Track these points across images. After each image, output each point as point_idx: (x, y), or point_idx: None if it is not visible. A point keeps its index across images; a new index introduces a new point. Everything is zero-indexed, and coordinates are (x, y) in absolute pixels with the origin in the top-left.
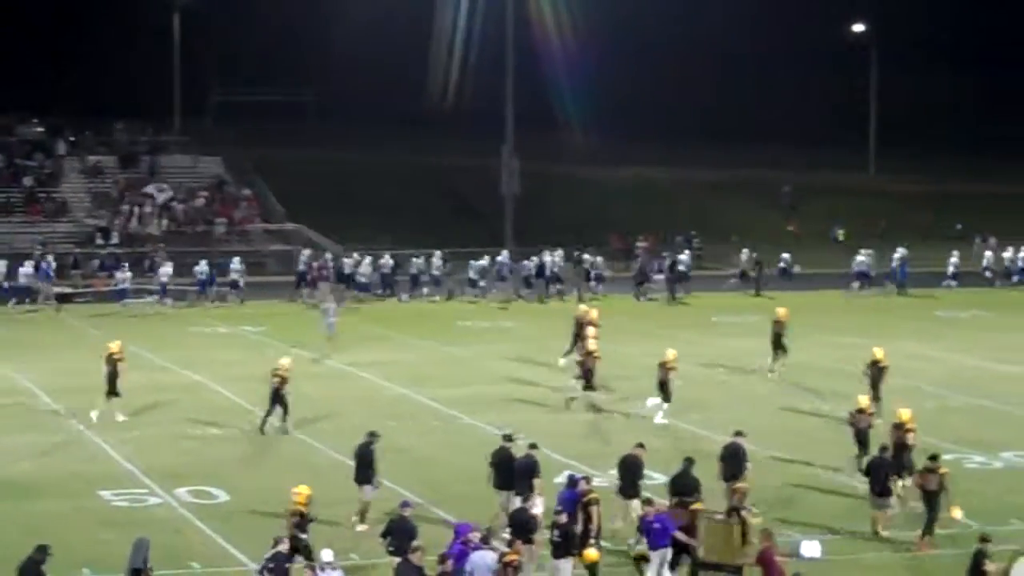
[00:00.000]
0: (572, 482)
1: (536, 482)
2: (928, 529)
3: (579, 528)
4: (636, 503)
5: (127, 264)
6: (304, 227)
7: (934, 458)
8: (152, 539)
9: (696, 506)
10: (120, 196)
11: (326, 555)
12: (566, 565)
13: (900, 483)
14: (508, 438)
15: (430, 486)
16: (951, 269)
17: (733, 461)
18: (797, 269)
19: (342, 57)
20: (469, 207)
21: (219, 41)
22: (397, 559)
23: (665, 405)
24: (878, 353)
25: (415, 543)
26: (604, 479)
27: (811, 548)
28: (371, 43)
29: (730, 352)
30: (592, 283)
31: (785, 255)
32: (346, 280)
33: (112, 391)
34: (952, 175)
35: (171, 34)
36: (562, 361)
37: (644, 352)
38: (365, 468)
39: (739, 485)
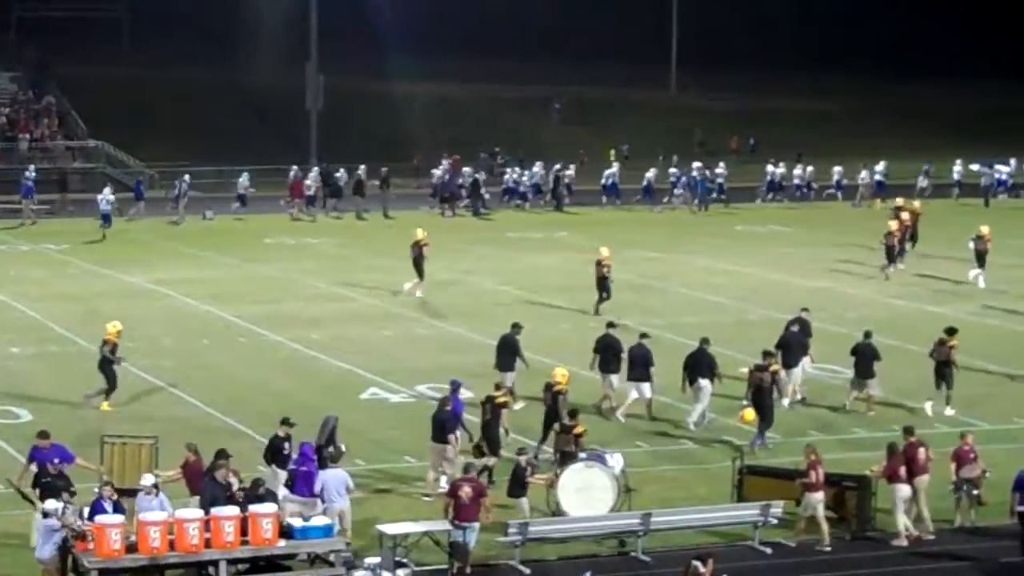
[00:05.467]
0: (455, 387)
1: (651, 370)
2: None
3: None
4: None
5: None
6: (106, 144)
7: (767, 353)
8: None
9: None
10: None
11: (146, 479)
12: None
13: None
14: (612, 324)
15: (235, 402)
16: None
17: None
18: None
19: None
20: (276, 123)
21: None
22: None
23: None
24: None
25: (221, 461)
26: (407, 395)
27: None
28: None
29: (527, 268)
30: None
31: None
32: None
33: None
34: (755, 92)
35: None
36: (407, 286)
37: (445, 268)
38: (508, 355)
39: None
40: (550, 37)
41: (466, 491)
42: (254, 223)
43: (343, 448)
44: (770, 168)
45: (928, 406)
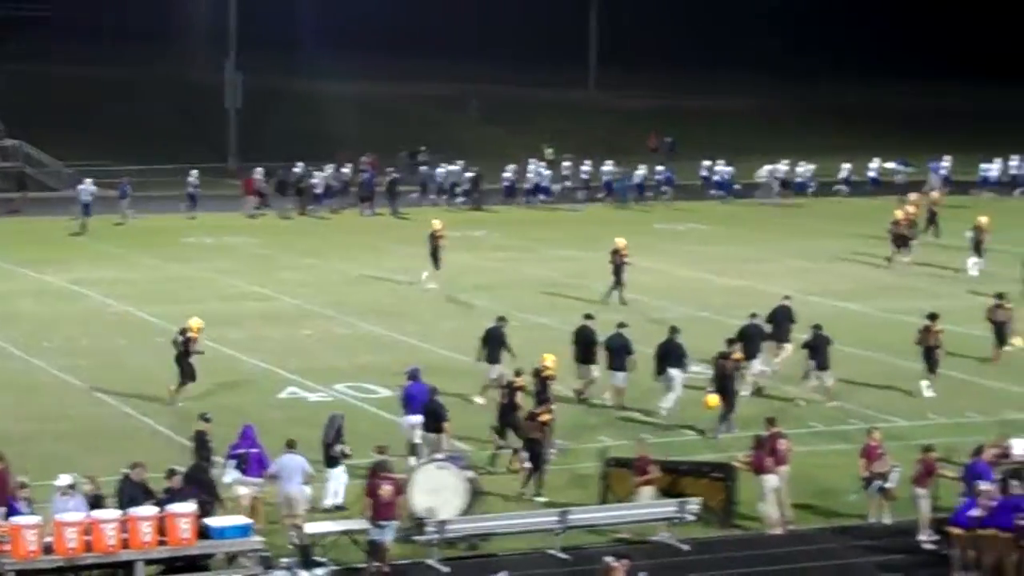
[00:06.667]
0: (413, 375)
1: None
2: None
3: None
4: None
5: None
6: (23, 143)
7: (731, 342)
8: None
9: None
10: None
11: (63, 480)
12: None
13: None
14: (589, 316)
15: (153, 402)
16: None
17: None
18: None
19: None
20: (196, 122)
21: None
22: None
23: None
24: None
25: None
26: (325, 394)
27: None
28: None
29: (446, 266)
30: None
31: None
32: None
33: None
34: (673, 91)
35: None
36: (424, 275)
37: (364, 267)
38: (495, 348)
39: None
40: (470, 35)
41: (386, 489)
42: (172, 222)
43: (347, 451)
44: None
45: (924, 386)
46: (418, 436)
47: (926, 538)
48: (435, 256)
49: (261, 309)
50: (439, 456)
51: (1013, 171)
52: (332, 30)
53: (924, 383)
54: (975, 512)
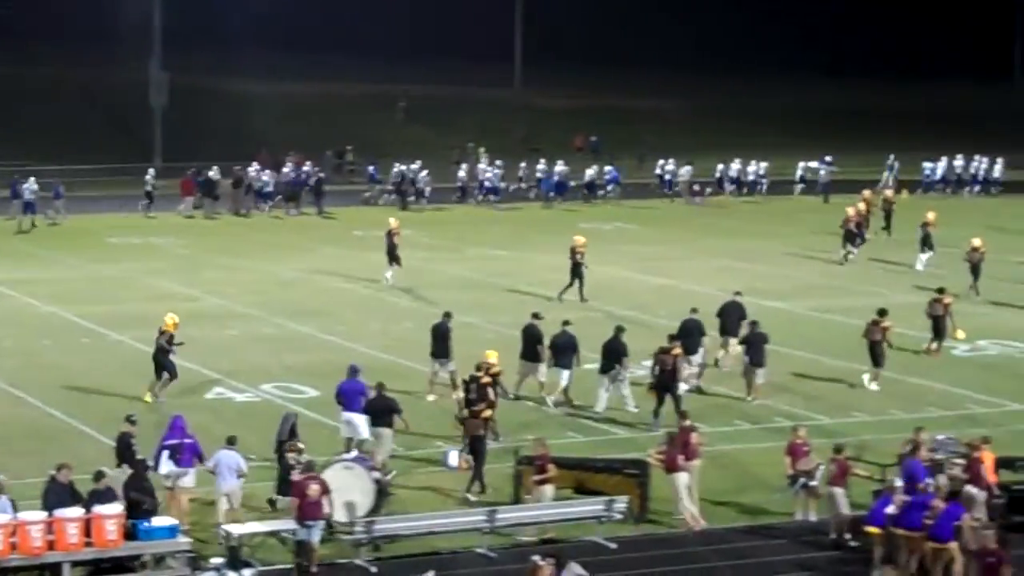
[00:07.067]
0: (353, 371)
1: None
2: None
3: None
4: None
5: None
6: None
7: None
8: None
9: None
10: None
11: None
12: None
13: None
14: (536, 315)
15: (78, 403)
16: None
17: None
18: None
19: None
20: (122, 122)
21: None
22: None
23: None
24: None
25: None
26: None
27: (454, 458)
28: None
29: (373, 266)
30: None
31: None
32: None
33: None
34: (597, 90)
35: None
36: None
37: (290, 267)
38: (443, 343)
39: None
40: (395, 35)
41: (313, 489)
42: (99, 223)
43: (301, 447)
44: (663, 165)
45: (866, 379)
46: (355, 432)
47: (848, 537)
48: (392, 254)
49: (187, 309)
50: (347, 456)
51: (959, 170)
52: (260, 30)
53: (866, 376)
54: (890, 510)
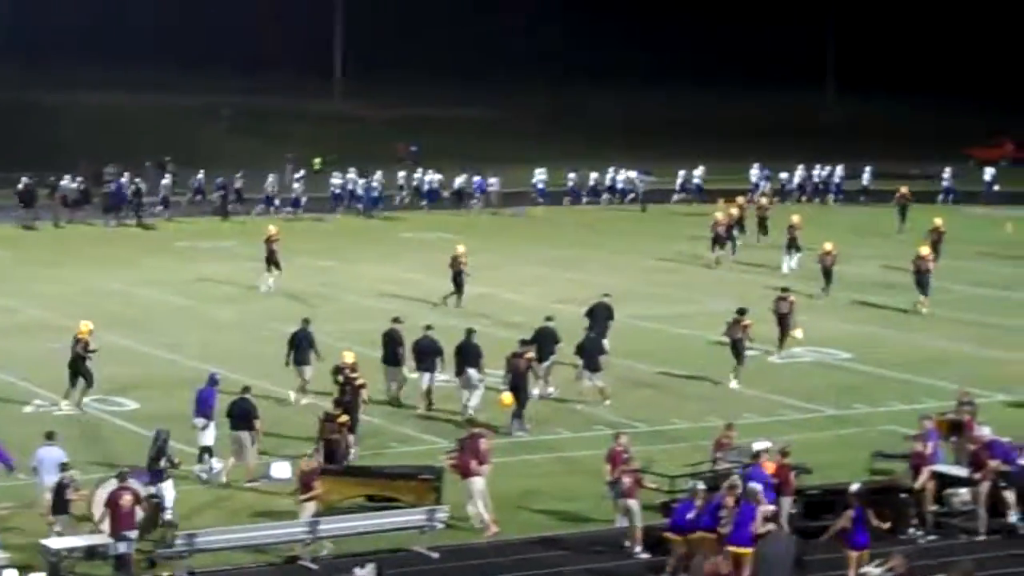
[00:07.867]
0: (213, 381)
1: (438, 360)
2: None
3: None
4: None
5: None
6: None
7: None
8: None
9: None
10: None
11: None
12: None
13: None
14: (397, 320)
15: None
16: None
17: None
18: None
19: None
20: None
21: None
22: None
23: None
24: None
25: None
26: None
27: (281, 470)
28: None
29: (195, 278)
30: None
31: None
32: None
33: None
34: (417, 100)
35: None
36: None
37: (111, 278)
38: (303, 350)
39: None
40: (216, 45)
41: (126, 500)
42: None
43: (176, 460)
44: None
45: (732, 382)
46: (206, 438)
47: (639, 549)
48: (271, 260)
49: (4, 322)
50: (125, 471)
51: (816, 179)
52: (81, 41)
53: (731, 375)
54: (691, 515)
